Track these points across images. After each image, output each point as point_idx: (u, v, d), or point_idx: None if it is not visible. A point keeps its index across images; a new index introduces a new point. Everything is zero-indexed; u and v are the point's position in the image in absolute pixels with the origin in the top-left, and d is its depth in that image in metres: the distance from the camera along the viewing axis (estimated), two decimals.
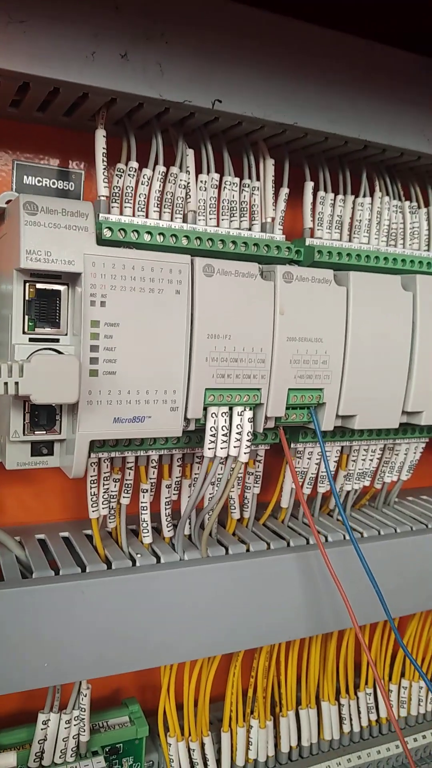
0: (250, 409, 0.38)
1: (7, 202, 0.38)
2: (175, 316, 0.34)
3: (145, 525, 0.42)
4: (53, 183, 0.42)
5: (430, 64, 0.42)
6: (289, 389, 0.38)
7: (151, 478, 0.42)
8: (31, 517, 0.46)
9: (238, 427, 0.38)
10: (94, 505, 0.40)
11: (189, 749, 0.46)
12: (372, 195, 0.45)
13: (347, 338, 0.39)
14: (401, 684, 0.54)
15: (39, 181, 0.42)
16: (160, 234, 0.37)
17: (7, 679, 0.36)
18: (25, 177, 0.42)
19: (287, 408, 0.39)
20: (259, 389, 0.38)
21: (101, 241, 0.35)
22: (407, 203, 0.47)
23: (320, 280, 0.38)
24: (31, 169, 0.42)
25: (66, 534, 0.44)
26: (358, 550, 0.41)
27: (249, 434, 0.38)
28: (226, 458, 0.38)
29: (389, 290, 0.41)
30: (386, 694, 0.47)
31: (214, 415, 0.37)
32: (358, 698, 0.52)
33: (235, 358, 0.36)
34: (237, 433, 0.38)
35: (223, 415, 0.37)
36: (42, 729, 0.42)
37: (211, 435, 0.37)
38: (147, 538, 0.42)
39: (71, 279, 0.33)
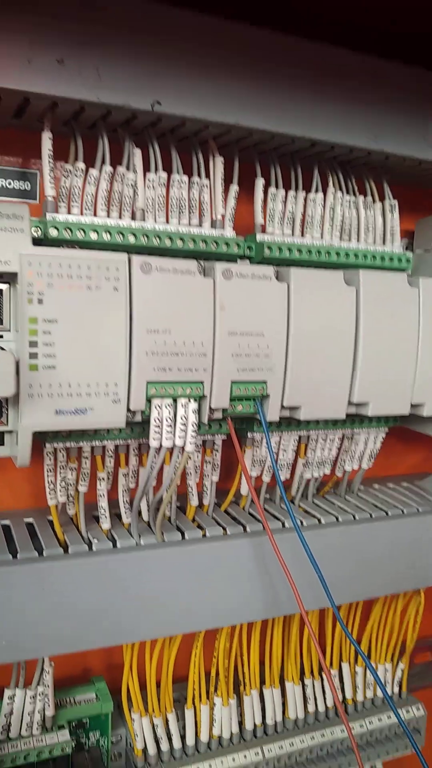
0: (195, 400, 0.40)
1: None
2: (113, 312, 0.36)
3: (103, 511, 0.44)
4: (9, 183, 0.44)
5: (374, 63, 0.43)
6: (232, 381, 0.40)
7: (108, 467, 0.44)
8: (1, 504, 0.49)
9: (183, 418, 0.39)
10: (51, 492, 0.43)
11: (153, 725, 0.48)
12: (325, 191, 0.46)
13: (289, 332, 0.41)
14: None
15: None
16: (106, 232, 0.38)
17: None
18: None
19: (232, 399, 0.40)
20: (201, 382, 0.39)
21: (46, 241, 0.37)
22: (361, 198, 0.48)
23: (261, 277, 0.40)
24: None
25: (30, 520, 0.46)
26: (300, 535, 0.42)
27: (194, 425, 0.39)
28: (172, 449, 0.40)
29: (331, 285, 0.42)
30: (331, 678, 0.49)
31: (158, 406, 0.39)
32: (322, 679, 0.54)
33: (175, 351, 0.38)
34: (182, 424, 0.39)
35: (167, 406, 0.39)
36: (8, 704, 0.44)
37: (156, 426, 0.39)
38: (105, 524, 0.44)
39: (11, 278, 0.35)
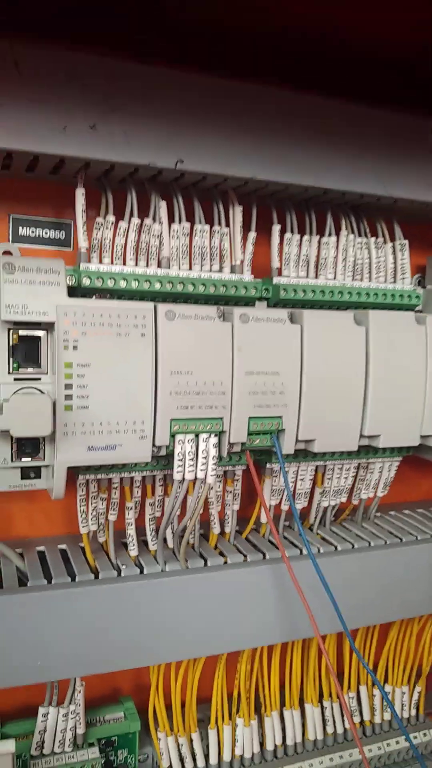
0: (215, 435, 0.42)
1: (4, 252, 0.43)
2: (140, 355, 0.39)
3: (131, 539, 0.47)
4: (46, 233, 0.47)
5: (381, 114, 0.46)
6: (249, 417, 0.43)
7: (135, 497, 0.47)
8: (36, 531, 0.51)
9: (204, 452, 0.42)
10: (83, 521, 0.45)
11: (178, 744, 0.50)
12: (338, 233, 0.49)
13: (303, 371, 0.43)
14: (384, 689, 0.57)
15: (33, 232, 0.47)
16: (134, 280, 0.42)
17: (4, 675, 0.42)
18: (20, 229, 0.47)
19: (249, 434, 0.43)
20: (221, 418, 0.42)
21: (80, 289, 0.40)
22: (372, 239, 0.50)
23: (275, 320, 0.43)
24: (25, 222, 0.47)
25: (63, 546, 0.49)
26: (315, 562, 0.45)
27: (214, 458, 0.42)
28: (194, 480, 0.43)
29: (342, 326, 0.45)
30: (347, 705, 0.50)
31: (181, 441, 0.41)
32: (341, 701, 0.56)
33: (197, 391, 0.41)
34: (203, 458, 0.42)
35: (190, 441, 0.42)
36: (42, 721, 0.47)
37: (179, 460, 0.42)
38: (133, 551, 0.47)
39: (49, 326, 0.38)
